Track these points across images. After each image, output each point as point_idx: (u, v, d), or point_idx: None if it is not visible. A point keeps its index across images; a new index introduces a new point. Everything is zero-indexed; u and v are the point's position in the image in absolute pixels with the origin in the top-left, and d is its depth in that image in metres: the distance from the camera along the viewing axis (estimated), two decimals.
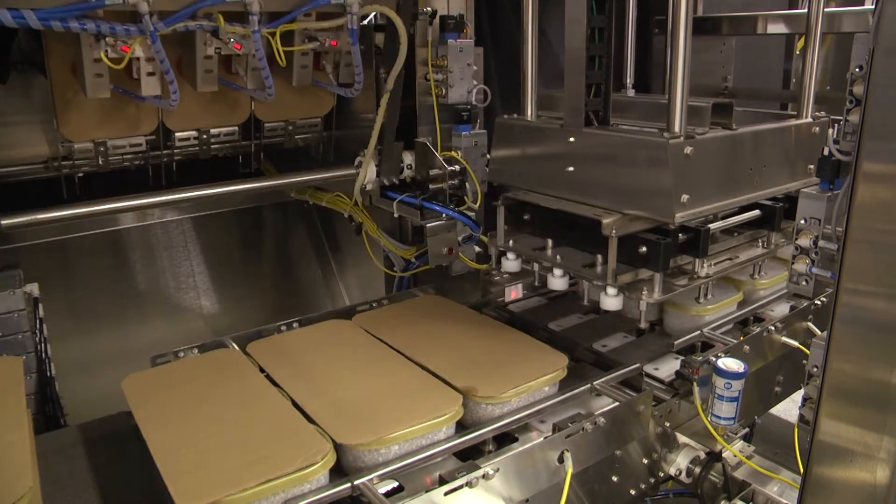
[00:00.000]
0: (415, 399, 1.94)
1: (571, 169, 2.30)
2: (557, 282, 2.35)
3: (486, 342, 2.31)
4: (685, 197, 2.05)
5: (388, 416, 1.85)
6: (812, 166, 2.51)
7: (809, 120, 2.54)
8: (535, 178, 2.44)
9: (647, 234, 2.13)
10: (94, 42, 2.15)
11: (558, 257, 2.35)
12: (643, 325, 2.27)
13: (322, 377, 2.09)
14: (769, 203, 2.46)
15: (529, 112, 2.52)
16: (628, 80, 3.05)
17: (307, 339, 2.38)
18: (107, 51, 2.14)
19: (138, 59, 2.26)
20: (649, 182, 2.09)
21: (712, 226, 2.22)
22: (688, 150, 2.06)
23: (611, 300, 2.18)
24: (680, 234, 2.14)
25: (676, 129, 2.06)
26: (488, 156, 2.77)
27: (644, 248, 2.11)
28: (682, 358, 2.16)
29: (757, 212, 2.40)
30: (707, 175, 2.16)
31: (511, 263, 2.52)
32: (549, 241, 2.42)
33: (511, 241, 2.50)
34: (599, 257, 2.24)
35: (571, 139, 2.29)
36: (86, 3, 2.02)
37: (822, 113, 2.57)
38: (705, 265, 2.22)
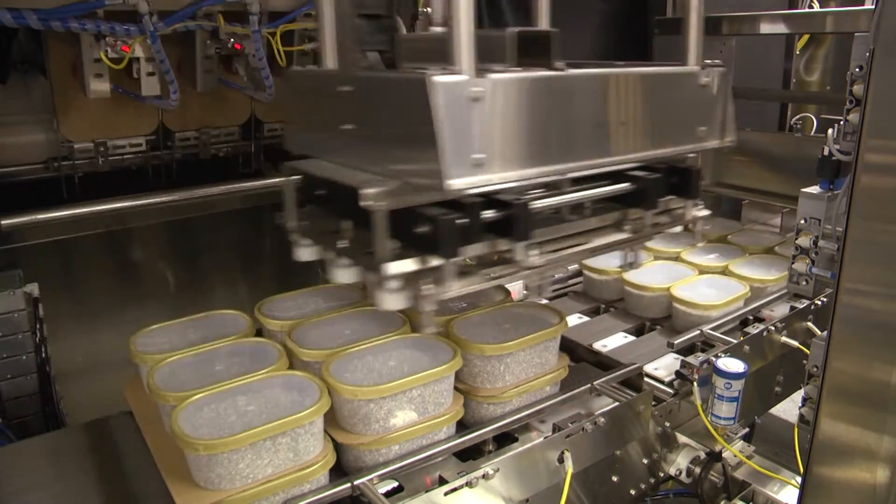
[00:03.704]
0: None
1: (350, 126, 1.73)
2: (341, 273, 1.78)
3: None
4: (478, 157, 1.47)
5: None
6: (705, 127, 1.90)
7: (695, 68, 1.89)
8: (321, 142, 1.91)
9: (429, 210, 1.55)
10: (94, 42, 2.16)
11: (341, 243, 1.79)
12: (430, 330, 1.81)
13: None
14: (643, 174, 1.87)
15: (330, 59, 1.82)
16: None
17: None
18: (107, 51, 2.15)
19: (138, 59, 2.26)
20: (418, 136, 1.48)
21: (539, 202, 1.66)
22: (475, 90, 1.46)
23: (388, 296, 1.57)
24: (488, 211, 1.59)
25: (465, 64, 1.47)
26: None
27: (425, 228, 1.54)
28: (682, 358, 2.16)
29: (613, 186, 1.84)
30: (515, 130, 1.55)
31: (304, 251, 1.95)
32: (343, 223, 1.82)
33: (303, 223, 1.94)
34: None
35: (347, 87, 1.73)
36: (86, 3, 2.02)
37: (717, 61, 1.95)
38: (530, 252, 1.65)
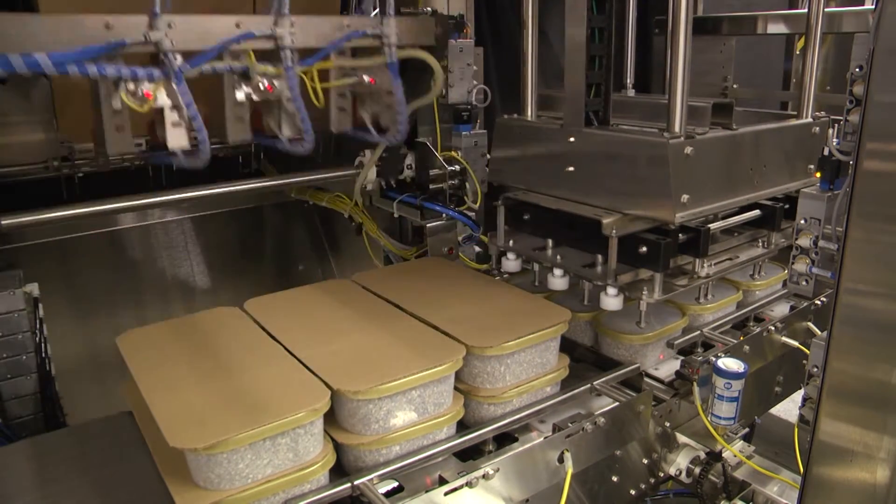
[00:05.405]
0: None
1: (571, 169, 2.30)
2: (558, 282, 2.36)
3: None
4: (685, 197, 2.06)
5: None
6: (812, 166, 2.52)
7: (809, 120, 2.54)
8: (536, 178, 2.44)
9: (647, 234, 2.13)
10: (112, 90, 1.96)
11: (558, 257, 2.35)
12: (643, 325, 2.27)
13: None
14: (769, 203, 2.46)
15: (529, 112, 2.52)
16: (628, 81, 3.05)
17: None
18: (128, 95, 1.94)
19: (161, 109, 2.04)
20: (649, 182, 2.09)
21: (713, 226, 2.22)
22: (688, 150, 2.06)
23: (611, 300, 2.18)
24: (680, 234, 2.14)
25: (676, 128, 2.07)
26: (488, 156, 2.77)
27: (644, 248, 2.11)
28: (682, 358, 2.16)
29: (757, 212, 2.40)
30: (707, 175, 2.16)
31: (511, 263, 2.52)
32: (550, 241, 2.42)
33: (511, 241, 2.50)
34: (599, 257, 2.24)
35: (571, 139, 2.29)
36: (106, 44, 1.87)
37: (822, 113, 2.57)
38: (705, 265, 2.22)
